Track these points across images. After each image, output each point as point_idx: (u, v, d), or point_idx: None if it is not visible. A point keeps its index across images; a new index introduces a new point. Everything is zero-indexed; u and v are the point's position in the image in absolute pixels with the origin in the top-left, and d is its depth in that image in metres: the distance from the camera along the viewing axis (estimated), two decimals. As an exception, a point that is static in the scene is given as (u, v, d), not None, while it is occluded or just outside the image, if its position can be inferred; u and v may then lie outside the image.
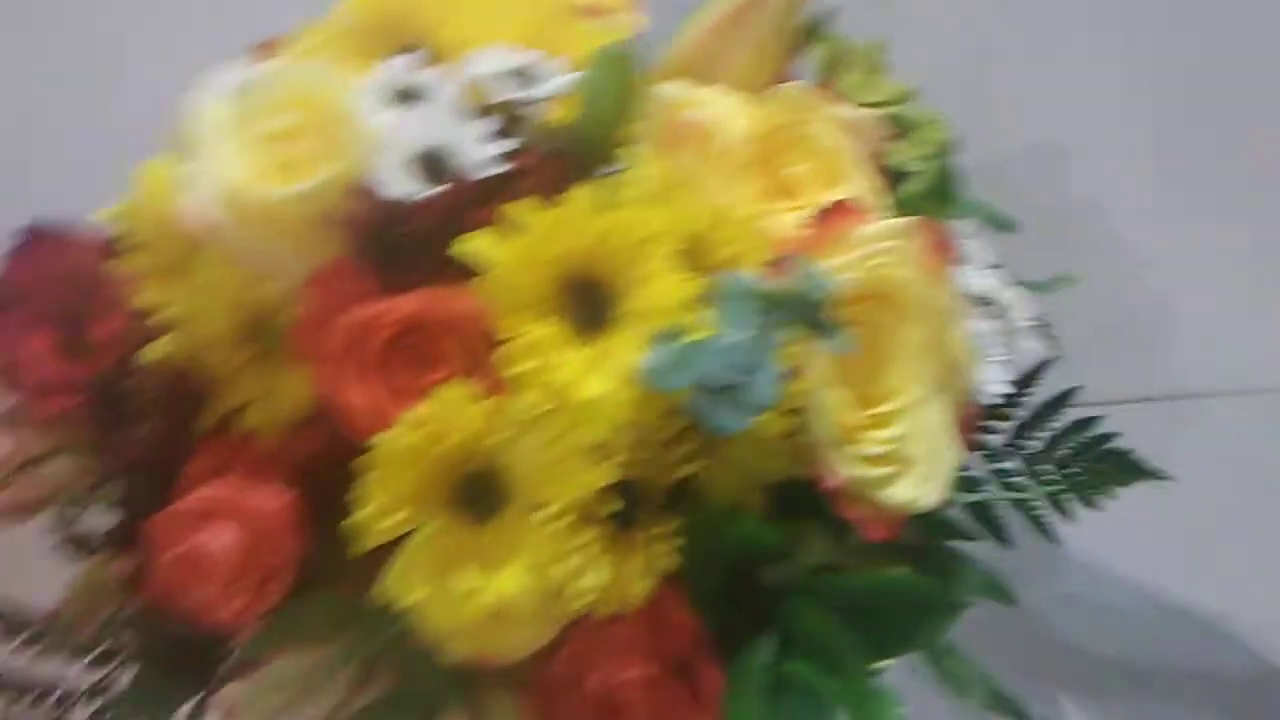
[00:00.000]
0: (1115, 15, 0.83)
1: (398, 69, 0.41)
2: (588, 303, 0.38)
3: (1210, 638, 0.86)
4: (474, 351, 0.36)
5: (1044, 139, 0.85)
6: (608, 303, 0.38)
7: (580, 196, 0.37)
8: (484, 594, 0.35)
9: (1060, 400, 0.56)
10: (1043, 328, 0.57)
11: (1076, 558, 0.85)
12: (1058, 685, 0.88)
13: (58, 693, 0.47)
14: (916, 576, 0.40)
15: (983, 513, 0.55)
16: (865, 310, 0.41)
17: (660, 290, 0.37)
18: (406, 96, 0.40)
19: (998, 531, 0.55)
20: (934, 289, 0.42)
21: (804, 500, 0.41)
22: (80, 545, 0.48)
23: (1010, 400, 0.56)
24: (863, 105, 0.51)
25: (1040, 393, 0.57)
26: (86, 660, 0.46)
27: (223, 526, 0.37)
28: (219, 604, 0.37)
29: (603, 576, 0.36)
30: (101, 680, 0.47)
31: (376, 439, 0.35)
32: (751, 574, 0.41)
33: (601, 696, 0.38)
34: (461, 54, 0.43)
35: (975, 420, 0.45)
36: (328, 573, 0.39)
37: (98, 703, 0.47)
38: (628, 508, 0.38)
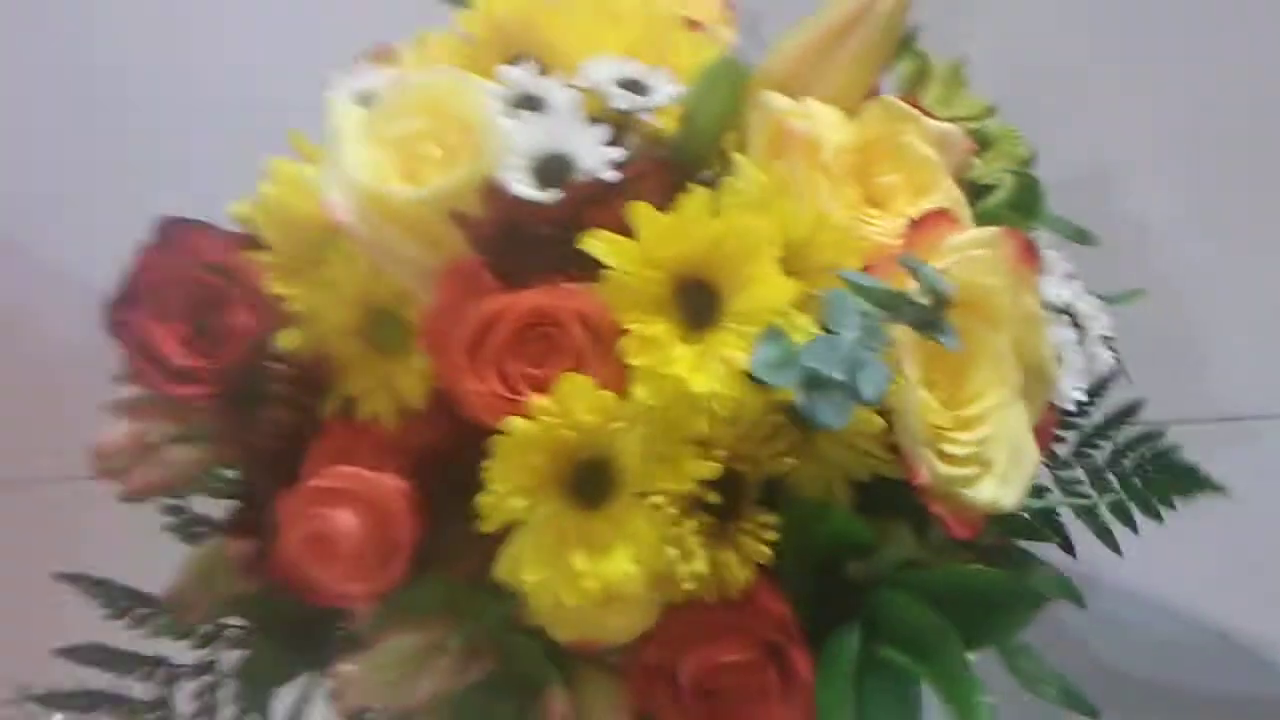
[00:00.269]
0: (1169, 36, 0.85)
1: (519, 77, 0.43)
2: (697, 301, 0.40)
3: (1251, 661, 0.87)
4: (593, 345, 0.38)
5: (1097, 161, 0.87)
6: (716, 302, 0.40)
7: (693, 201, 0.39)
8: (593, 578, 0.37)
9: (1126, 413, 0.58)
10: (1110, 340, 0.59)
11: (1111, 579, 0.87)
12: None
13: (164, 669, 0.49)
14: (999, 573, 0.42)
15: (1048, 519, 0.57)
16: (955, 315, 0.43)
17: (765, 291, 0.39)
18: (527, 103, 0.43)
19: (1062, 538, 0.57)
20: (1020, 297, 0.44)
21: (889, 497, 0.43)
22: (192, 529, 0.50)
23: (1078, 410, 0.57)
24: (946, 119, 0.53)
25: (1103, 406, 0.59)
26: (196, 639, 0.49)
27: (347, 509, 0.40)
28: (343, 583, 0.40)
29: (703, 564, 0.38)
30: (209, 659, 0.49)
31: (502, 426, 0.37)
32: (839, 566, 0.43)
33: (698, 679, 0.40)
34: (574, 64, 0.45)
35: (1053, 426, 0.47)
36: (440, 555, 0.41)
37: (205, 681, 0.49)
38: (728, 500, 0.40)
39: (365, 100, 0.44)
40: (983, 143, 0.53)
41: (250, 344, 0.43)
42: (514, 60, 0.47)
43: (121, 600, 0.49)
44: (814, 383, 0.35)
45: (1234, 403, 0.88)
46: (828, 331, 0.35)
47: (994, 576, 0.41)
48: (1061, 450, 0.58)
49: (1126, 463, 0.58)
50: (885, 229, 0.44)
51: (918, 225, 0.42)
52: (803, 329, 0.39)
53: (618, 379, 0.38)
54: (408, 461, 0.42)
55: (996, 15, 0.83)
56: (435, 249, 0.41)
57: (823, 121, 0.44)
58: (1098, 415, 0.58)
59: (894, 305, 0.34)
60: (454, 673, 0.42)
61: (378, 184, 0.39)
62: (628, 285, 0.38)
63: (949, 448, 0.42)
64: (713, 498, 0.39)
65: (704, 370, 0.38)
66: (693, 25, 0.49)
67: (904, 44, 0.53)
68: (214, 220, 0.46)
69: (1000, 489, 0.43)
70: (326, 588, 0.40)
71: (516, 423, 0.36)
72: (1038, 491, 0.57)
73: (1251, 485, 0.83)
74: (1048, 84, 0.84)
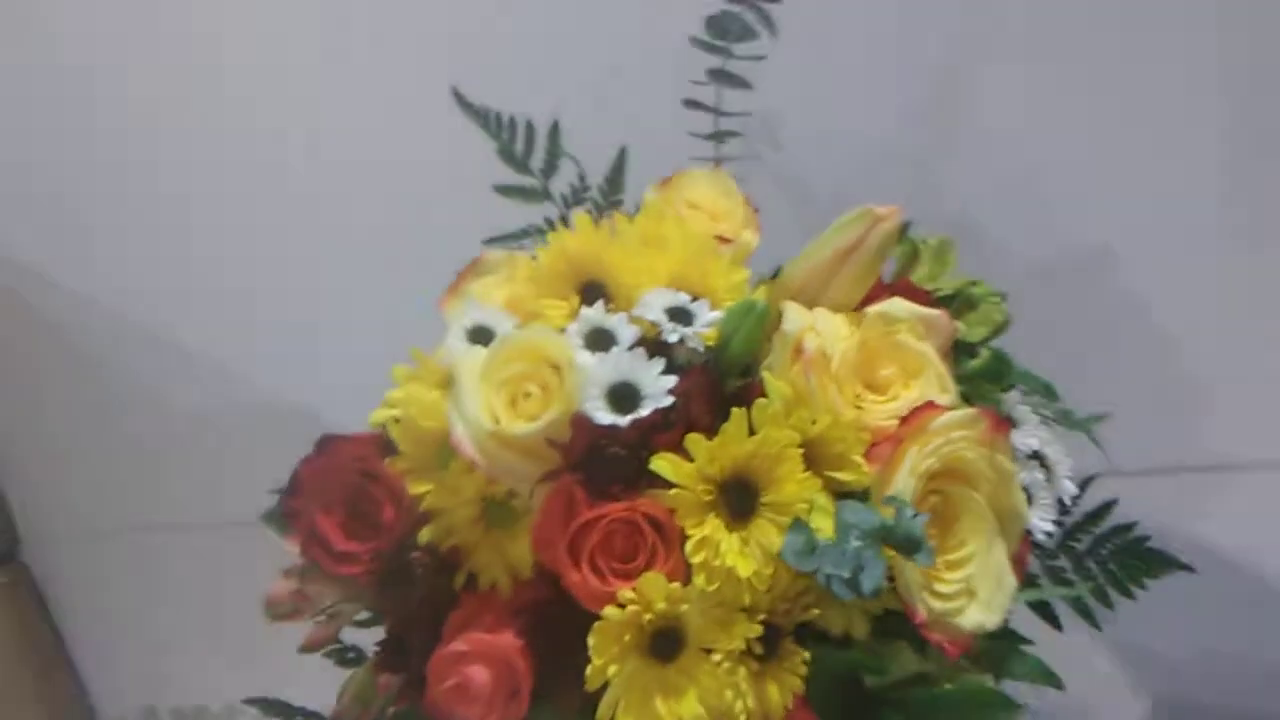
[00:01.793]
0: (1143, 119, 0.94)
1: (591, 317, 0.55)
2: (740, 496, 0.52)
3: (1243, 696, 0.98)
4: (662, 542, 0.51)
5: (1086, 238, 0.97)
6: (754, 496, 0.52)
7: (732, 425, 0.51)
8: (671, 718, 0.50)
9: (1103, 510, 0.70)
10: (1096, 442, 0.70)
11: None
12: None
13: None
14: (983, 686, 0.54)
15: (1039, 606, 0.69)
16: (943, 483, 0.55)
17: (791, 489, 0.51)
18: (598, 336, 0.55)
19: (1052, 619, 0.69)
20: (993, 460, 0.56)
21: (896, 625, 0.55)
22: (345, 654, 0.63)
23: (1062, 510, 0.69)
24: (934, 290, 0.65)
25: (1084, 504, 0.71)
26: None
27: (479, 664, 0.53)
28: (481, 718, 0.53)
29: (753, 700, 0.51)
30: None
31: (601, 612, 0.49)
32: (860, 684, 0.55)
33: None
34: (632, 287, 0.58)
35: (1028, 553, 0.59)
36: (552, 691, 0.54)
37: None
38: (769, 645, 0.52)
39: (476, 335, 0.56)
40: (967, 305, 0.65)
41: (398, 536, 0.56)
42: (585, 285, 0.59)
43: (294, 717, 0.63)
44: (830, 576, 0.47)
45: (1223, 451, 0.98)
46: (840, 539, 0.48)
47: (978, 690, 0.54)
48: (1050, 544, 0.70)
49: (1104, 551, 0.70)
50: (884, 412, 0.56)
51: (910, 416, 0.54)
52: (825, 510, 0.51)
53: (683, 565, 0.51)
54: (522, 620, 0.54)
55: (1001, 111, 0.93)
56: (537, 463, 0.53)
57: (829, 334, 0.56)
58: (1078, 515, 0.70)
59: (880, 537, 0.46)
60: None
61: (493, 424, 0.52)
62: (685, 498, 0.50)
63: (940, 587, 0.54)
64: (759, 650, 0.51)
65: (747, 556, 0.50)
66: (724, 241, 0.61)
67: (898, 235, 0.65)
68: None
69: (984, 614, 0.55)
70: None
71: (610, 610, 0.49)
72: (1031, 581, 0.69)
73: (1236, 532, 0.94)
74: (1066, 152, 0.94)
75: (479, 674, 0.53)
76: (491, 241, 0.70)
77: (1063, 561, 0.70)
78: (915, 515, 0.46)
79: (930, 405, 0.55)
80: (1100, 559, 0.70)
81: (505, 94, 0.73)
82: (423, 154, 0.89)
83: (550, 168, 0.72)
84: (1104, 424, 0.67)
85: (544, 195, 0.72)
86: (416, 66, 0.89)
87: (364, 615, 0.62)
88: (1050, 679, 0.61)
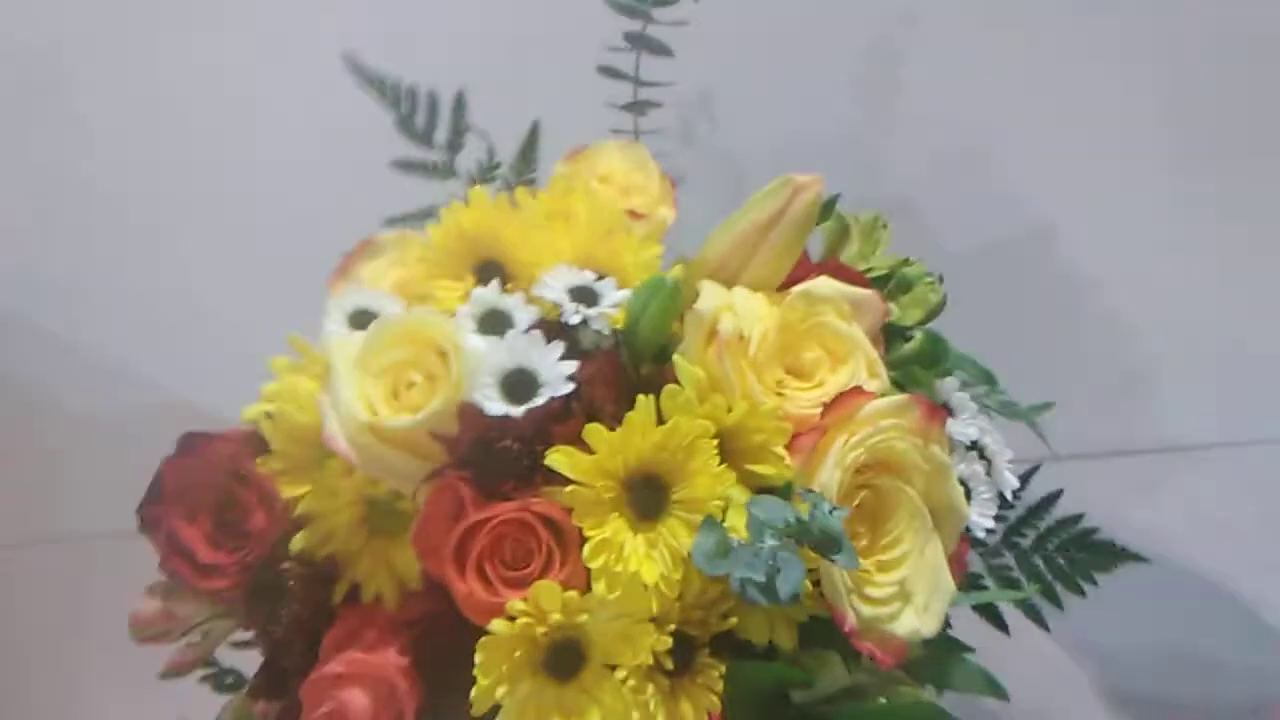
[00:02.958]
0: (1106, 99, 0.91)
1: (485, 297, 0.50)
2: (647, 494, 0.47)
3: (1207, 676, 0.95)
4: (559, 545, 0.45)
5: (1029, 217, 0.93)
6: (663, 493, 0.47)
7: (637, 414, 0.46)
8: (568, 744, 0.44)
9: (1047, 502, 0.65)
10: (1041, 434, 0.66)
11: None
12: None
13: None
14: (919, 700, 0.49)
15: (984, 608, 0.64)
16: (872, 476, 0.50)
17: (703, 484, 0.46)
18: (492, 319, 0.50)
19: (998, 622, 0.64)
20: (927, 451, 0.51)
21: (826, 631, 0.50)
22: (223, 679, 0.57)
23: (1004, 504, 0.65)
24: (865, 270, 0.60)
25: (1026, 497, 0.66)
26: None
27: (357, 688, 0.47)
28: (360, 751, 0.47)
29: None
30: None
31: (487, 627, 0.44)
32: (785, 699, 0.50)
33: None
34: (533, 266, 0.52)
35: (966, 553, 0.54)
36: (443, 715, 0.48)
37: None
38: (681, 658, 0.47)
39: (357, 319, 0.51)
40: (901, 286, 0.60)
41: (268, 544, 0.50)
42: (482, 266, 0.54)
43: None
44: (743, 580, 0.42)
45: (1184, 432, 0.95)
46: (753, 540, 0.42)
47: (908, 706, 0.49)
48: (992, 540, 0.66)
49: (1050, 546, 0.65)
50: (807, 400, 0.51)
51: (835, 403, 0.49)
52: (741, 508, 0.46)
53: (583, 571, 0.45)
54: (408, 636, 0.49)
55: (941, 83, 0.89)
56: (422, 460, 0.48)
57: (748, 315, 0.51)
58: (1021, 507, 0.65)
59: (795, 535, 0.41)
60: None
61: (369, 416, 0.46)
62: (584, 495, 0.45)
63: (871, 590, 0.49)
64: (669, 664, 0.46)
65: (653, 559, 0.45)
66: (635, 216, 0.56)
67: (826, 209, 0.60)
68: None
69: (920, 619, 0.50)
70: (348, 756, 0.47)
71: (498, 624, 0.44)
72: (974, 582, 0.65)
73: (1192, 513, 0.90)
74: (1008, 131, 0.91)
75: (356, 699, 0.47)
76: (392, 222, 0.64)
77: (1007, 559, 0.65)
78: (833, 510, 0.41)
79: (857, 391, 0.50)
80: (1047, 554, 0.65)
81: (408, 61, 0.67)
82: (322, 128, 0.83)
83: (456, 142, 0.67)
84: (1049, 409, 0.63)
85: (449, 172, 0.66)
86: (313, 32, 0.82)
87: (243, 637, 0.56)
88: (995, 690, 0.56)
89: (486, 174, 0.67)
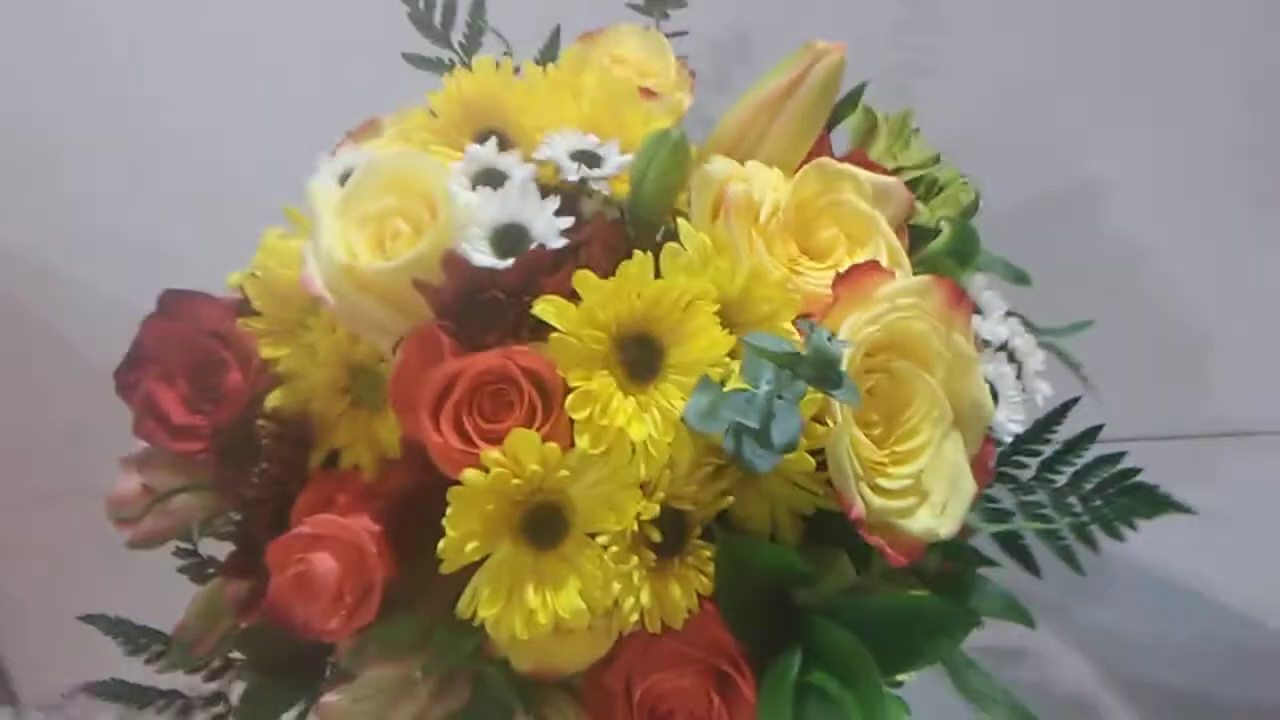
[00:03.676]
0: (1158, 51, 0.86)
1: (480, 154, 0.47)
2: (642, 356, 0.43)
3: (1244, 660, 0.89)
4: (542, 400, 0.42)
5: (1086, 177, 0.89)
6: (658, 356, 0.43)
7: (633, 265, 0.42)
8: (544, 613, 0.41)
9: (1085, 437, 0.61)
10: (1073, 366, 0.61)
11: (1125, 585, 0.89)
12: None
13: (179, 702, 0.54)
14: (928, 598, 0.45)
15: (1011, 543, 0.60)
16: (888, 359, 0.47)
17: (701, 345, 0.43)
18: (488, 178, 0.47)
19: (1027, 561, 0.60)
20: (949, 339, 0.47)
21: (835, 529, 0.46)
22: (199, 569, 0.54)
23: (1039, 436, 0.60)
24: (894, 169, 0.57)
25: (1068, 431, 0.62)
26: (205, 673, 0.53)
27: (326, 552, 0.44)
28: (322, 619, 0.44)
29: (646, 598, 0.42)
30: (218, 692, 0.53)
31: (460, 476, 0.41)
32: (786, 594, 0.46)
33: (649, 704, 0.44)
34: (536, 138, 0.49)
35: (991, 457, 0.50)
36: (415, 593, 0.45)
37: (215, 712, 0.53)
38: (672, 537, 0.43)
39: (347, 179, 0.48)
40: (930, 188, 0.56)
41: (243, 403, 0.47)
42: (484, 135, 0.51)
43: (139, 637, 0.54)
44: (739, 430, 0.38)
45: (1233, 417, 0.90)
46: (746, 386, 0.39)
47: (921, 602, 0.45)
48: (1024, 475, 0.61)
49: (1088, 485, 0.60)
50: (821, 279, 0.47)
51: (846, 277, 0.46)
52: (737, 380, 0.42)
53: (567, 431, 0.42)
54: (384, 506, 0.46)
55: (980, 37, 0.86)
56: (405, 315, 0.45)
57: (761, 184, 0.47)
58: (1058, 442, 0.61)
59: (790, 364, 0.37)
60: (431, 702, 0.46)
61: (349, 258, 0.44)
62: (571, 345, 0.42)
63: (884, 482, 0.45)
64: (656, 535, 0.42)
65: (642, 420, 0.42)
66: (649, 95, 0.53)
67: (852, 100, 0.56)
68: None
69: (936, 519, 0.46)
70: (310, 624, 0.44)
71: (470, 474, 0.40)
72: (1001, 515, 0.60)
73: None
74: (1035, 102, 0.87)
75: (324, 562, 0.44)
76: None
77: (1040, 497, 0.61)
78: (832, 338, 0.38)
79: (874, 266, 0.46)
80: (1084, 495, 0.60)
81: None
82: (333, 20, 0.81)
83: (473, 41, 0.64)
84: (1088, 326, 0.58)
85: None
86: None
87: (222, 529, 0.53)
88: (1019, 614, 0.52)
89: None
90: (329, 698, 0.44)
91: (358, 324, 0.45)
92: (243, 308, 0.49)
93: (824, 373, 0.37)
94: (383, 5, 0.64)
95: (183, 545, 0.54)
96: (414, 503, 0.45)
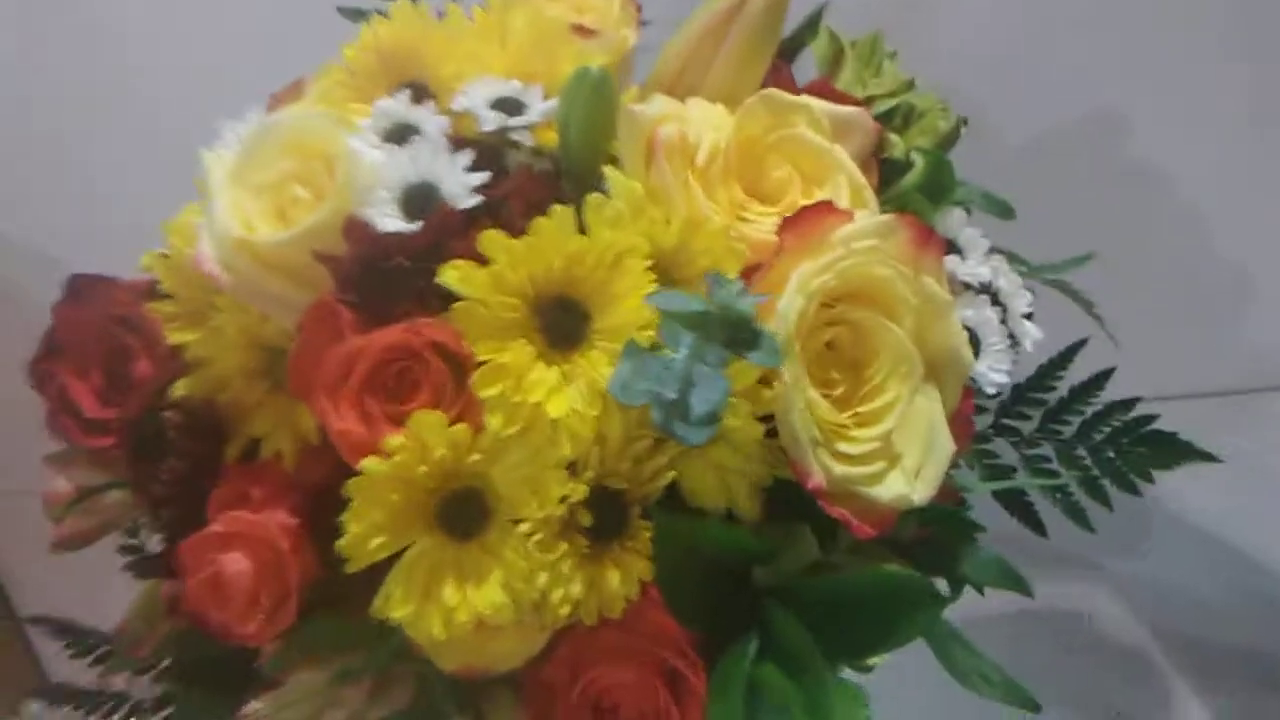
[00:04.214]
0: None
1: (388, 108, 0.43)
2: (564, 321, 0.39)
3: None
4: (452, 378, 0.38)
5: (1111, 112, 0.83)
6: (583, 320, 0.39)
7: (550, 222, 0.38)
8: (463, 609, 0.37)
9: (1094, 383, 0.56)
10: (1084, 305, 0.56)
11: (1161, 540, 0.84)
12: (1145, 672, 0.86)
13: (127, 705, 0.51)
14: (894, 572, 0.41)
15: (1015, 501, 0.55)
16: (847, 309, 0.42)
17: (630, 306, 0.38)
18: (397, 134, 0.43)
19: (1032, 520, 0.55)
20: (917, 283, 0.42)
21: (798, 500, 0.42)
22: (140, 568, 0.52)
23: (1043, 383, 0.55)
24: (865, 97, 0.51)
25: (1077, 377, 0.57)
26: (150, 675, 0.50)
27: (239, 552, 0.40)
28: (239, 623, 0.41)
29: (578, 588, 0.38)
30: (163, 694, 0.51)
31: (359, 465, 0.37)
32: (745, 575, 0.42)
33: (592, 699, 0.40)
34: (457, 88, 0.45)
35: (971, 412, 0.45)
36: (342, 591, 0.42)
37: (163, 715, 0.51)
38: (608, 519, 0.39)
39: (239, 146, 0.44)
40: (907, 117, 0.51)
41: (151, 394, 0.44)
42: (404, 85, 0.47)
43: (86, 639, 0.51)
44: (658, 402, 0.34)
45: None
46: (664, 351, 0.35)
47: (888, 576, 0.40)
48: (1027, 428, 0.56)
49: (1098, 436, 0.55)
50: (771, 225, 0.42)
51: (794, 221, 0.41)
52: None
53: (481, 409, 0.38)
54: (305, 499, 0.42)
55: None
56: (311, 289, 0.41)
57: (699, 123, 0.43)
58: (1064, 389, 0.56)
59: (699, 325, 0.33)
60: (368, 705, 0.42)
61: (243, 231, 0.40)
62: (478, 314, 0.37)
63: (847, 446, 0.41)
64: (586, 519, 0.38)
65: (563, 393, 0.38)
66: (584, 32, 0.48)
67: (811, 25, 0.51)
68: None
69: (909, 484, 0.42)
70: (227, 629, 0.41)
71: (369, 462, 0.37)
72: (1001, 472, 0.55)
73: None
74: (1056, 33, 0.81)
75: (237, 562, 0.41)
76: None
77: (1046, 450, 0.56)
78: (743, 291, 0.33)
79: (826, 206, 0.42)
80: (1094, 446, 0.55)
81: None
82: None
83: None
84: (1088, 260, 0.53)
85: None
86: None
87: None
88: (1015, 582, 0.47)
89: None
90: (252, 706, 0.41)
91: (261, 302, 0.42)
92: (154, 290, 0.45)
93: (735, 333, 0.32)
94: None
95: (127, 542, 0.52)
96: (337, 494, 0.42)
